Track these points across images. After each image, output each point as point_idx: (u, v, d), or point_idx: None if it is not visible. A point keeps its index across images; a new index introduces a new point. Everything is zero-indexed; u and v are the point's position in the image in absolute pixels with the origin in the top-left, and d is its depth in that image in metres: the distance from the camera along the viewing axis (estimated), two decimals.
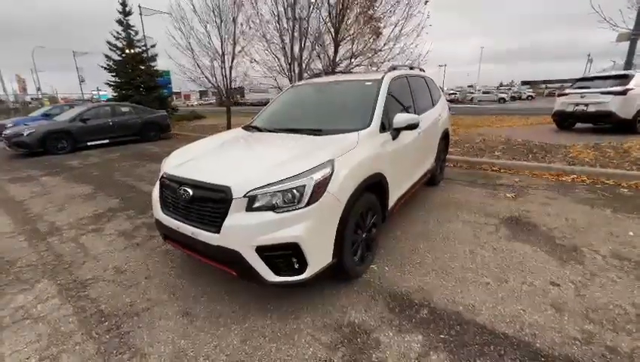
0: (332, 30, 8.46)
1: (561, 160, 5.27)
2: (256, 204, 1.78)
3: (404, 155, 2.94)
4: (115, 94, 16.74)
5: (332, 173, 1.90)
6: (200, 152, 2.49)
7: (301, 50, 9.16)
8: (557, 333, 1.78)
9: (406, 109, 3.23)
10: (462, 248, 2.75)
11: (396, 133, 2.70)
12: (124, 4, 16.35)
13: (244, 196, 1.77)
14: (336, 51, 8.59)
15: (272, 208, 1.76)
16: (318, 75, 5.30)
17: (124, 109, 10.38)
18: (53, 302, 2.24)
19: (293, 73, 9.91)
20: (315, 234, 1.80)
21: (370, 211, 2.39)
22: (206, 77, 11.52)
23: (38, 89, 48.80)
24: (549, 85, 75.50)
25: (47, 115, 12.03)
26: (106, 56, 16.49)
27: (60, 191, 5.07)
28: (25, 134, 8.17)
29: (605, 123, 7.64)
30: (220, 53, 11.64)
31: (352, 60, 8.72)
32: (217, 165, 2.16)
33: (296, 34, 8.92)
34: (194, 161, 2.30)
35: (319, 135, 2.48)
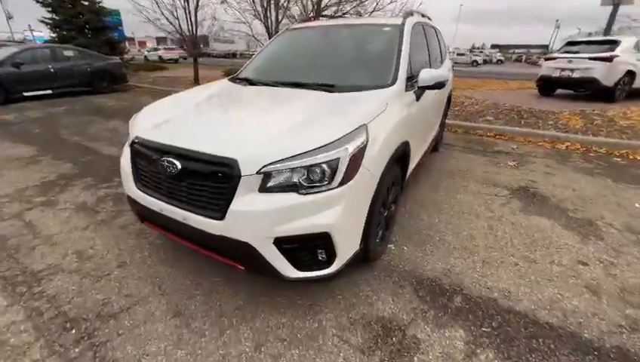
0: None
1: (553, 127, 5.22)
2: (272, 183, 1.34)
3: (423, 118, 2.58)
4: (53, 35, 14.15)
5: (367, 142, 1.49)
6: (183, 110, 1.92)
7: None
8: (601, 320, 1.65)
9: (423, 65, 2.79)
10: (479, 223, 2.55)
11: (421, 92, 2.28)
12: None
13: (258, 173, 1.32)
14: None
15: (295, 188, 1.34)
16: (307, 22, 4.56)
17: (67, 53, 8.70)
18: None
19: (269, 18, 8.80)
20: (348, 219, 1.44)
21: (394, 185, 2.05)
22: (166, 18, 9.95)
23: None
24: (516, 50, 77.23)
25: None
26: None
27: None
28: None
29: (586, 90, 7.72)
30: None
31: (339, 7, 7.81)
32: (212, 129, 1.62)
33: None
34: (177, 121, 1.74)
35: (332, 92, 2.00)
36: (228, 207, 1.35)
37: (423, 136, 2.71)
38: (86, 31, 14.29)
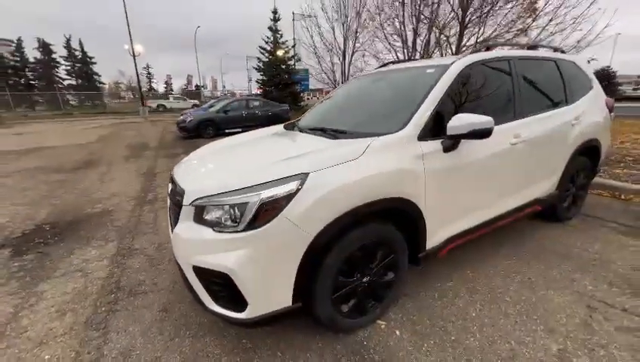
0: (459, 12, 7.04)
1: None
2: (206, 216, 1.50)
3: (471, 175, 2.00)
4: (259, 91, 19.80)
5: (297, 191, 1.40)
6: (211, 151, 2.37)
7: (423, 41, 8.15)
8: None
9: (494, 110, 2.20)
10: (534, 345, 1.65)
11: (452, 142, 1.83)
12: (275, 12, 18.89)
13: (191, 204, 1.52)
14: (461, 35, 7.12)
15: (214, 224, 1.45)
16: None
17: (255, 103, 12.06)
18: None
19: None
20: (256, 267, 1.38)
21: (381, 248, 1.73)
22: (324, 72, 12.00)
23: (224, 87, 64.57)
24: None
25: (211, 107, 15.38)
26: (257, 58, 19.62)
27: None
28: (187, 121, 10.66)
29: None
30: (342, 49, 11.88)
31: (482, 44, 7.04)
32: (205, 165, 1.99)
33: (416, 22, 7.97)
34: (198, 160, 2.20)
35: (338, 138, 1.95)
36: (174, 228, 1.62)
37: (472, 196, 2.07)
38: (280, 86, 19.19)
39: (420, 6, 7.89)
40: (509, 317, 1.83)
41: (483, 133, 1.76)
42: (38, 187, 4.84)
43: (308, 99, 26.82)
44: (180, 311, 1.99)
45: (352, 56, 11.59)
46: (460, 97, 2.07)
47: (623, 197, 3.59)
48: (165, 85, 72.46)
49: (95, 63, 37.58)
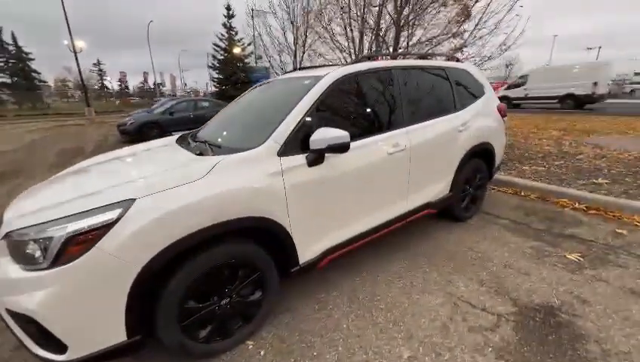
0: (392, 15, 7.22)
1: None
2: (17, 252, 1.35)
3: (343, 187, 2.02)
4: (215, 89, 19.16)
5: (117, 220, 1.31)
6: (73, 170, 2.16)
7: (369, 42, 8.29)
8: None
9: (370, 121, 2.25)
10: (397, 336, 1.71)
11: (315, 156, 1.83)
12: (228, 8, 18.32)
13: (2, 238, 1.38)
14: (397, 38, 7.31)
15: (26, 261, 1.32)
16: None
17: (204, 104, 11.63)
18: None
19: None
20: (66, 307, 1.27)
21: (242, 267, 1.69)
22: (275, 72, 11.85)
23: (185, 85, 61.80)
24: None
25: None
26: (213, 56, 18.96)
27: None
28: (127, 124, 10.01)
29: None
30: (293, 49, 11.81)
31: (418, 48, 7.29)
32: (45, 190, 1.80)
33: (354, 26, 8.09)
34: (50, 182, 1.98)
35: (205, 153, 1.88)
36: None
37: (350, 207, 2.11)
38: (237, 85, 18.67)
39: (364, 11, 8.01)
40: (377, 326, 1.88)
41: (341, 148, 1.77)
42: None
43: None
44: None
45: (302, 55, 11.53)
46: (331, 110, 2.08)
47: (522, 193, 3.88)
48: (119, 83, 67.95)
49: (33, 59, 34.24)
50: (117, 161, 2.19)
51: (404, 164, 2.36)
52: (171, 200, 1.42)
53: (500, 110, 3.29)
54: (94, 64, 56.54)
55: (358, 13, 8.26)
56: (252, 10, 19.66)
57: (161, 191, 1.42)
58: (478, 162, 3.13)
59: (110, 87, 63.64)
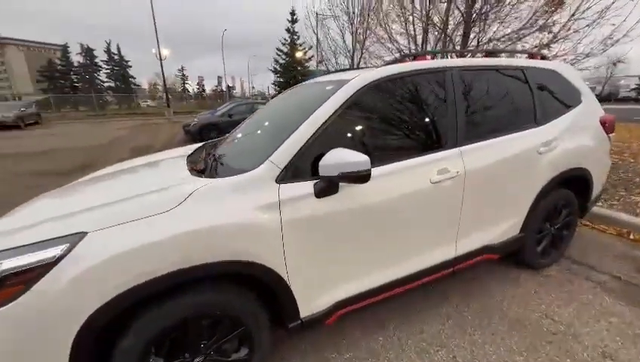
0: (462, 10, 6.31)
1: None
2: None
3: (363, 225, 1.55)
4: (275, 93, 19.82)
5: (61, 257, 1.08)
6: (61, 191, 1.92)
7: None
8: None
9: (409, 140, 1.73)
10: None
11: (325, 184, 1.40)
12: (292, 14, 18.77)
13: None
14: (466, 36, 6.36)
15: None
16: None
17: (260, 107, 11.98)
18: None
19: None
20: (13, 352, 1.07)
21: (224, 320, 1.36)
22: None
23: (253, 88, 66.34)
24: None
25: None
26: (275, 60, 19.62)
27: None
28: (191, 125, 10.76)
29: None
30: (351, 50, 11.51)
31: (492, 46, 6.24)
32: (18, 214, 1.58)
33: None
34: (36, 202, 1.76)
35: (203, 174, 1.62)
36: None
37: (371, 251, 1.61)
38: None
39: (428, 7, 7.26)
40: None
41: (358, 177, 1.32)
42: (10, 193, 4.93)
43: None
44: None
45: (360, 57, 11.11)
46: (355, 124, 1.63)
47: (632, 236, 2.85)
48: (198, 86, 75.75)
49: (130, 67, 40.05)
50: (107, 177, 2.01)
51: (455, 196, 1.78)
52: (128, 236, 1.14)
53: (604, 123, 2.42)
54: (179, 70, 63.88)
55: (423, 12, 7.54)
56: (317, 14, 20.04)
57: (120, 225, 1.16)
58: (567, 193, 2.33)
59: (190, 90, 71.35)
